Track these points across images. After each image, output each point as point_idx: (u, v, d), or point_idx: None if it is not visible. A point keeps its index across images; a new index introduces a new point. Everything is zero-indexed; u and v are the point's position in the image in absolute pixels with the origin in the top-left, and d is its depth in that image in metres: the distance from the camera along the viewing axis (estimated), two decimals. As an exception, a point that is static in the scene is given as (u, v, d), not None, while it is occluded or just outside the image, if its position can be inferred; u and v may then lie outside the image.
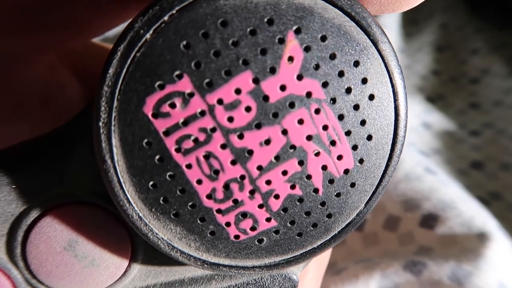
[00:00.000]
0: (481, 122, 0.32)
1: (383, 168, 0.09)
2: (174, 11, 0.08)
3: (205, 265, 0.10)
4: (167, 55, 0.08)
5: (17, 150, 0.10)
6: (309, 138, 0.09)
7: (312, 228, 0.10)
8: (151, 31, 0.08)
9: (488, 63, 0.37)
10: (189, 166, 0.09)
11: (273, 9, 0.08)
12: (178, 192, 0.09)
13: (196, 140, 0.08)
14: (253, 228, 0.09)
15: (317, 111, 0.09)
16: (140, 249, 0.10)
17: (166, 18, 0.08)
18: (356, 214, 0.10)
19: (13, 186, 0.10)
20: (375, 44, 0.09)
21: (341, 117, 0.09)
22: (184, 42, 0.08)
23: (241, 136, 0.09)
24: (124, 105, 0.08)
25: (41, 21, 0.12)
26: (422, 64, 0.37)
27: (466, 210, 0.21)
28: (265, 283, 0.11)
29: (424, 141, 0.30)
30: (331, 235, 0.10)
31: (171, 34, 0.08)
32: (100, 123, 0.08)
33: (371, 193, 0.10)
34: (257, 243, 0.10)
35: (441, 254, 0.19)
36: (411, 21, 0.43)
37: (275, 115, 0.08)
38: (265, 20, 0.08)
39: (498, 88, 0.34)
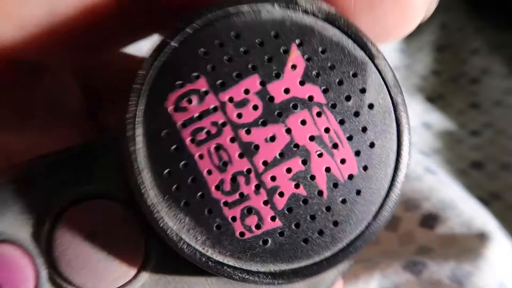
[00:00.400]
0: (481, 122, 0.32)
1: (390, 177, 0.10)
2: (197, 26, 0.10)
3: (210, 263, 0.10)
4: (188, 60, 0.10)
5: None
6: (311, 138, 0.10)
7: (318, 235, 0.10)
8: (177, 42, 0.10)
9: (488, 63, 0.37)
10: (201, 156, 0.10)
11: (279, 26, 0.10)
12: (190, 180, 0.10)
13: (208, 133, 0.10)
14: (258, 226, 0.10)
15: (319, 114, 0.10)
16: (153, 256, 0.11)
17: (190, 31, 0.10)
18: (366, 227, 0.10)
19: (48, 179, 0.11)
20: (372, 59, 0.10)
21: (342, 122, 0.10)
22: (203, 50, 0.10)
23: (248, 132, 0.10)
24: (150, 100, 0.10)
25: (93, 42, 0.13)
26: (422, 64, 0.37)
27: (466, 210, 0.22)
28: None
29: (424, 141, 0.30)
30: (339, 247, 0.10)
31: (193, 44, 0.10)
32: (128, 115, 0.10)
33: (379, 205, 0.10)
34: (261, 244, 0.10)
35: (441, 254, 0.19)
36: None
37: (280, 114, 0.10)
38: (272, 34, 0.10)
39: (498, 88, 0.34)
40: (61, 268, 0.11)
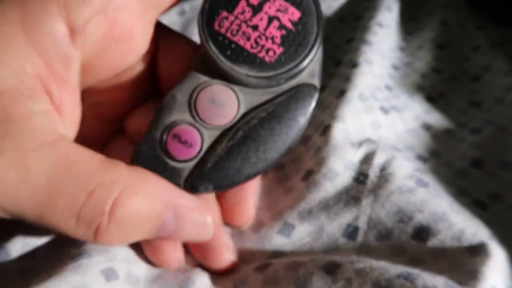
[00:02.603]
0: (482, 120, 0.32)
1: (315, 32, 0.21)
2: None
3: (263, 79, 0.21)
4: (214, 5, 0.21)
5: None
6: (277, 10, 0.21)
7: (298, 46, 0.21)
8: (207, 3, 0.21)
9: (489, 60, 0.36)
10: (238, 39, 0.20)
11: None
12: (239, 49, 0.20)
13: (238, 28, 0.21)
14: (274, 53, 0.20)
15: (274, 0, 0.21)
16: (242, 102, 0.21)
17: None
18: (313, 43, 0.21)
19: (193, 78, 0.21)
20: None
21: (286, 0, 0.21)
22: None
23: (250, 20, 0.21)
24: (207, 19, 0.21)
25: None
26: (422, 62, 0.37)
27: (457, 222, 0.22)
28: (298, 89, 0.21)
29: (423, 143, 0.30)
30: (308, 50, 0.21)
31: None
32: (201, 23, 0.21)
33: (313, 40, 0.21)
34: (279, 60, 0.20)
35: (433, 267, 0.20)
36: (411, 19, 0.42)
37: (259, 8, 0.21)
38: None
39: (499, 85, 0.34)
40: (204, 119, 0.21)
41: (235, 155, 0.21)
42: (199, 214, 0.20)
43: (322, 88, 0.32)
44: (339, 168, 0.25)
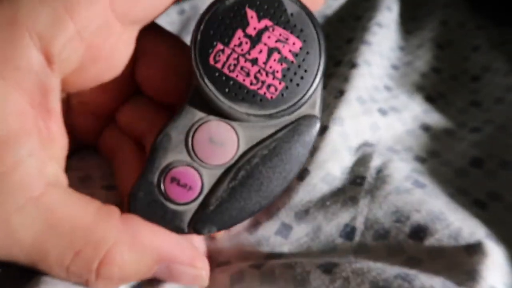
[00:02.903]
0: (482, 120, 0.32)
1: (318, 62, 0.20)
2: (206, 17, 0.20)
3: (264, 118, 0.20)
4: (208, 35, 0.19)
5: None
6: (276, 41, 0.19)
7: (300, 80, 0.19)
8: (198, 33, 0.19)
9: (489, 60, 0.36)
10: (237, 75, 0.19)
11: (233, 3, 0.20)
12: (238, 87, 0.19)
13: (235, 63, 0.19)
14: (276, 89, 0.19)
15: (273, 29, 0.19)
16: (242, 139, 0.20)
17: (202, 26, 0.19)
18: (315, 75, 0.20)
19: (188, 114, 0.20)
20: (306, 11, 0.20)
21: (284, 27, 0.19)
22: (215, 26, 0.19)
23: (249, 54, 0.19)
24: (200, 52, 0.19)
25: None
26: (422, 61, 0.37)
27: (454, 221, 0.22)
28: (300, 122, 0.20)
29: (422, 144, 0.30)
30: (310, 84, 0.20)
31: (207, 26, 0.19)
32: (193, 55, 0.19)
33: (316, 71, 0.20)
34: (281, 96, 0.19)
35: (430, 267, 0.20)
36: (411, 18, 0.42)
37: (257, 39, 0.19)
38: (231, 7, 0.19)
39: (499, 85, 0.34)
40: (201, 158, 0.20)
41: (237, 196, 0.20)
42: (193, 268, 0.20)
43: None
44: (336, 173, 0.25)
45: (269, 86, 0.19)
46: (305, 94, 0.19)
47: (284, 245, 0.23)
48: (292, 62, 0.19)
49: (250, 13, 0.19)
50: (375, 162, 0.26)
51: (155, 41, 0.22)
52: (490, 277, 0.19)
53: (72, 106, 0.23)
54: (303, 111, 0.20)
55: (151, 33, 0.22)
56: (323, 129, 0.27)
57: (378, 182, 0.24)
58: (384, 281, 0.18)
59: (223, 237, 0.24)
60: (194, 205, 0.20)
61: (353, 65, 0.32)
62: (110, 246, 0.18)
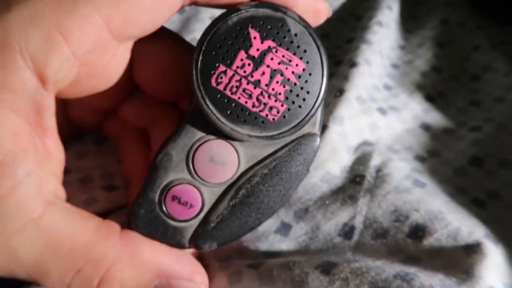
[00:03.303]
0: (481, 119, 0.32)
1: (320, 66, 0.19)
2: (207, 38, 0.19)
3: (266, 139, 0.20)
4: (211, 57, 0.19)
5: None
6: (279, 63, 0.19)
7: (303, 102, 0.19)
8: (199, 55, 0.19)
9: (489, 59, 0.36)
10: (239, 98, 0.19)
11: (237, 22, 0.19)
12: (240, 109, 0.19)
13: (238, 85, 0.19)
14: (278, 111, 0.19)
15: (276, 50, 0.19)
16: (242, 158, 0.20)
17: (204, 48, 0.19)
18: (317, 97, 0.20)
19: (188, 133, 0.20)
20: (285, 14, 0.19)
21: (287, 48, 0.19)
22: (217, 47, 0.19)
23: (251, 76, 0.19)
24: (202, 73, 0.19)
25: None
26: (423, 60, 0.37)
27: (453, 220, 0.22)
28: (300, 141, 0.20)
29: (421, 143, 0.30)
30: (312, 105, 0.20)
31: (210, 48, 0.19)
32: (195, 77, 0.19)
33: (318, 93, 0.19)
34: (283, 118, 0.19)
35: (429, 266, 0.20)
36: (412, 17, 0.42)
37: (260, 61, 0.19)
38: (234, 27, 0.19)
39: (499, 85, 0.34)
40: (202, 177, 0.20)
41: (238, 214, 0.20)
42: (192, 283, 0.20)
43: None
44: (336, 172, 0.25)
45: (271, 108, 0.19)
46: (307, 115, 0.19)
47: (282, 243, 0.23)
48: (295, 84, 0.19)
49: (253, 34, 0.19)
50: (374, 161, 0.26)
51: (153, 41, 0.21)
52: (489, 277, 0.19)
53: (70, 102, 0.24)
54: (304, 130, 0.20)
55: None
56: (323, 128, 0.27)
57: (378, 181, 0.24)
58: (383, 281, 0.18)
59: None
60: (195, 222, 0.20)
61: (353, 64, 0.32)
62: (110, 264, 0.18)
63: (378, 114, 0.30)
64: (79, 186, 0.25)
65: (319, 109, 0.20)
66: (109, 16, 0.18)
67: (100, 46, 0.19)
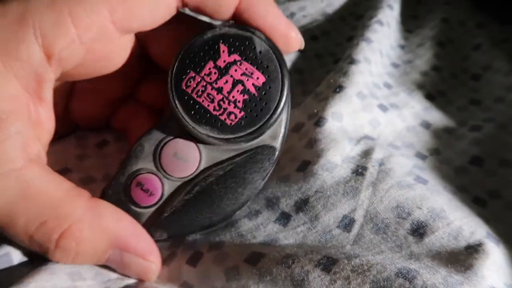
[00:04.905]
0: (482, 118, 0.31)
1: (278, 97, 0.21)
2: (186, 47, 0.22)
3: (222, 141, 0.21)
4: (184, 65, 0.22)
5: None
6: (242, 74, 0.21)
7: (259, 112, 0.21)
8: (176, 61, 0.22)
9: (490, 59, 0.36)
10: (203, 101, 0.21)
11: (211, 38, 0.22)
12: (202, 111, 0.21)
13: (203, 90, 0.21)
14: (235, 117, 0.21)
15: (240, 63, 0.21)
16: (204, 158, 0.22)
17: (182, 53, 0.22)
18: (274, 109, 0.21)
19: (161, 129, 0.22)
20: (253, 34, 0.22)
21: (251, 63, 0.21)
22: (190, 57, 0.22)
23: (216, 83, 0.21)
24: (175, 77, 0.21)
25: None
26: (423, 60, 0.37)
27: (455, 219, 0.21)
28: (258, 151, 0.22)
29: (422, 141, 0.30)
30: (269, 116, 0.21)
31: (185, 57, 0.22)
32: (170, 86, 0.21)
33: (275, 105, 0.21)
34: (239, 124, 0.21)
35: (431, 264, 0.19)
36: (412, 16, 0.42)
37: (226, 71, 0.21)
38: (207, 41, 0.22)
39: (500, 84, 0.34)
40: (167, 171, 0.22)
41: (190, 209, 0.22)
42: (144, 261, 0.21)
43: (319, 81, 0.32)
44: (337, 161, 0.25)
45: (229, 113, 0.21)
46: (263, 125, 0.21)
47: (280, 233, 0.23)
48: (254, 94, 0.21)
49: (223, 48, 0.21)
50: (377, 154, 0.25)
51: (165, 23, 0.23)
52: (491, 277, 0.19)
53: (79, 92, 0.26)
54: (263, 140, 0.22)
55: None
56: (321, 120, 0.27)
57: (380, 175, 0.24)
58: (385, 280, 0.18)
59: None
60: (152, 210, 0.22)
61: (352, 61, 0.32)
62: (72, 222, 0.20)
63: (379, 110, 0.30)
64: (80, 185, 0.25)
65: (280, 123, 0.22)
66: (114, 9, 0.20)
67: (103, 34, 0.21)
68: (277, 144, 0.22)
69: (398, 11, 0.41)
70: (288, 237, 0.23)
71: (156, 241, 0.22)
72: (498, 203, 0.25)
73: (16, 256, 0.21)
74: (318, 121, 0.27)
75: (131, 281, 0.22)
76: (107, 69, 0.23)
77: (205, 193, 0.22)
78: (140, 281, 0.22)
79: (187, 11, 0.23)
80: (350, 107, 0.28)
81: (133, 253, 0.21)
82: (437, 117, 0.32)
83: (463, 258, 0.20)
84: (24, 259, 0.21)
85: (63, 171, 0.27)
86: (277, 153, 0.22)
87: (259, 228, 0.24)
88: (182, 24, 0.24)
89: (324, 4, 0.43)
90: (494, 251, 0.20)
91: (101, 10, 0.20)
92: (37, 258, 0.21)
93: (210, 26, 0.22)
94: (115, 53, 0.23)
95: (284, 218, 0.24)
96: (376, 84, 0.32)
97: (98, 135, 0.30)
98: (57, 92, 0.22)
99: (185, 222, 0.22)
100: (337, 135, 0.26)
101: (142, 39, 0.24)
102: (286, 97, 0.21)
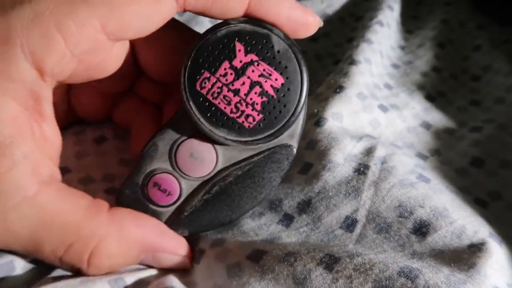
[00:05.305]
0: (482, 119, 0.31)
1: (298, 98, 0.21)
2: (197, 47, 0.21)
3: (240, 143, 0.21)
4: (198, 65, 0.21)
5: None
6: (259, 76, 0.20)
7: (278, 114, 0.21)
8: (188, 60, 0.21)
9: (490, 60, 0.36)
10: (219, 103, 0.21)
11: (224, 35, 0.21)
12: (218, 113, 0.21)
13: (219, 91, 0.21)
14: (254, 120, 0.21)
15: (258, 64, 0.20)
16: (220, 158, 0.22)
17: (193, 55, 0.21)
18: (293, 111, 0.21)
19: (175, 129, 0.22)
20: (271, 31, 0.21)
21: (269, 63, 0.21)
22: (204, 56, 0.21)
23: (232, 84, 0.20)
24: (189, 77, 0.21)
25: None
26: (423, 60, 0.37)
27: (458, 218, 0.21)
28: (276, 150, 0.22)
29: (423, 141, 0.30)
30: (288, 118, 0.21)
31: (198, 57, 0.21)
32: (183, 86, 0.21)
33: (295, 107, 0.21)
34: (258, 126, 0.21)
35: (434, 263, 0.19)
36: (412, 17, 0.42)
37: (242, 72, 0.20)
38: (222, 39, 0.21)
39: (500, 85, 0.34)
40: (183, 171, 0.22)
41: (209, 208, 0.22)
42: (175, 255, 0.22)
43: (319, 83, 0.32)
44: (339, 160, 0.25)
45: (247, 116, 0.21)
46: (282, 127, 0.21)
47: (283, 232, 0.23)
48: (272, 96, 0.21)
49: (239, 47, 0.20)
50: (379, 152, 0.25)
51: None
52: (494, 276, 0.19)
53: (78, 88, 0.26)
54: (280, 139, 0.22)
55: None
56: (321, 120, 0.27)
57: (383, 173, 0.24)
58: (387, 279, 0.18)
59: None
60: (171, 209, 0.22)
61: (352, 62, 0.32)
62: (99, 239, 0.20)
63: (379, 111, 0.30)
64: (80, 187, 0.25)
65: (298, 123, 0.22)
66: (105, 20, 0.19)
67: (95, 46, 0.20)
68: (295, 142, 0.22)
69: (398, 12, 0.41)
70: (291, 236, 0.23)
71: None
72: (499, 204, 0.25)
73: (19, 264, 0.21)
74: (318, 121, 0.27)
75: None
76: (101, 74, 0.22)
77: (224, 193, 0.22)
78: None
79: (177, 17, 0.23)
80: (351, 107, 0.28)
81: (163, 252, 0.21)
82: (437, 118, 0.32)
83: (466, 256, 0.20)
84: (28, 267, 0.21)
85: (63, 171, 0.26)
86: (294, 151, 0.22)
87: (262, 227, 0.23)
88: (172, 33, 0.23)
89: (324, 5, 0.43)
90: (497, 250, 0.20)
91: (92, 22, 0.19)
92: (42, 266, 0.21)
93: (224, 22, 0.21)
94: (108, 60, 0.22)
95: (287, 220, 0.23)
96: (376, 85, 0.32)
97: (96, 129, 0.29)
98: (56, 93, 0.22)
99: (205, 220, 0.22)
100: (338, 134, 0.26)
101: (131, 45, 0.23)
102: (305, 98, 0.21)
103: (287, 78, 0.21)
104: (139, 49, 0.24)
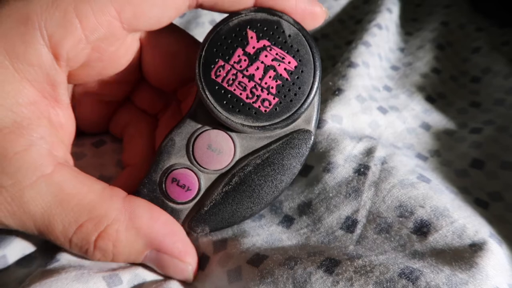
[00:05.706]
0: (482, 121, 0.31)
1: (312, 80, 0.21)
2: (209, 39, 0.21)
3: (258, 129, 0.21)
4: (212, 53, 0.21)
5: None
6: (273, 60, 0.21)
7: (294, 96, 0.21)
8: (203, 50, 0.21)
9: (489, 61, 0.36)
10: (234, 89, 0.21)
11: (237, 23, 0.21)
12: (235, 99, 0.21)
13: (234, 78, 0.21)
14: (270, 104, 0.21)
15: (270, 48, 0.21)
16: (238, 148, 0.22)
17: (206, 45, 0.21)
18: (308, 93, 0.21)
19: (191, 122, 0.22)
20: (281, 17, 0.21)
21: (281, 48, 0.21)
22: (218, 45, 0.21)
23: (246, 70, 0.21)
24: (203, 67, 0.21)
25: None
26: (422, 62, 0.37)
27: (459, 218, 0.21)
28: (294, 136, 0.22)
29: (423, 142, 0.30)
30: (303, 100, 0.21)
31: (211, 46, 0.21)
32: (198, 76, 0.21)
33: (309, 89, 0.21)
34: (274, 110, 0.21)
35: (435, 263, 0.19)
36: (412, 19, 0.42)
37: (255, 57, 0.21)
38: (234, 28, 0.21)
39: (499, 87, 0.34)
40: (201, 164, 0.22)
41: (230, 201, 0.22)
42: (181, 262, 0.21)
43: None
44: (339, 161, 0.25)
45: (263, 100, 0.21)
46: (298, 110, 0.21)
47: (283, 234, 0.23)
48: (287, 79, 0.21)
49: (251, 34, 0.21)
50: (379, 153, 0.25)
51: (163, 33, 0.23)
52: (495, 277, 0.19)
53: (79, 96, 0.26)
54: (297, 125, 0.22)
55: None
56: (322, 123, 0.27)
57: (383, 174, 0.24)
58: (388, 281, 0.18)
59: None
60: (191, 205, 0.22)
61: (351, 64, 0.32)
62: (109, 223, 0.20)
63: (378, 112, 0.30)
64: None
65: (314, 107, 0.22)
66: (122, 8, 0.20)
67: (110, 33, 0.20)
68: (312, 127, 0.22)
69: (397, 14, 0.41)
70: (291, 238, 0.23)
71: (199, 236, 0.23)
72: (500, 205, 0.25)
73: (11, 258, 0.21)
74: (319, 123, 0.27)
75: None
76: (108, 70, 0.23)
77: (244, 183, 0.22)
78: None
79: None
80: (350, 109, 0.28)
81: (169, 254, 0.21)
82: (437, 119, 0.32)
83: (467, 255, 0.19)
84: (21, 261, 0.21)
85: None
86: (312, 136, 0.22)
87: (263, 227, 0.23)
88: (175, 39, 0.24)
89: (325, 6, 0.43)
90: (498, 250, 0.20)
91: (109, 9, 0.20)
92: (37, 260, 0.21)
93: (235, 13, 0.21)
94: (119, 52, 0.22)
95: (287, 221, 0.23)
96: (375, 87, 0.32)
97: (95, 136, 0.30)
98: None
99: (226, 215, 0.22)
100: (337, 135, 0.26)
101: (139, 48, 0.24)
102: (319, 80, 0.21)
103: (299, 60, 0.21)
104: (145, 52, 0.24)
